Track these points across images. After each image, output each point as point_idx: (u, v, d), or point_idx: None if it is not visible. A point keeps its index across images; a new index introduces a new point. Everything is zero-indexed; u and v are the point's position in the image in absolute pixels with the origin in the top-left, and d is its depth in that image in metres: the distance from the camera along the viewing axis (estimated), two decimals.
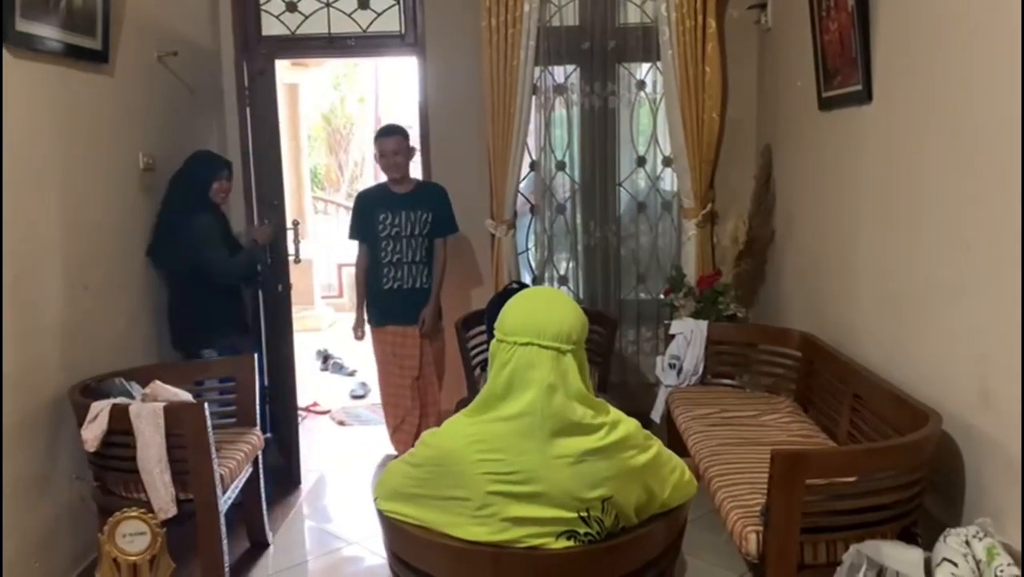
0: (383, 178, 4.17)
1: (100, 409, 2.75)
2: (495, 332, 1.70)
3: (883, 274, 2.89)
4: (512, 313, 1.69)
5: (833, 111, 3.31)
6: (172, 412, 2.75)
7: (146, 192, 3.61)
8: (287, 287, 4.16)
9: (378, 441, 4.50)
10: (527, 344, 1.62)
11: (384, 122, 4.14)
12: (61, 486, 2.93)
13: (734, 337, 3.86)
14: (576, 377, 1.65)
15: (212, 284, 3.68)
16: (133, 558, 2.33)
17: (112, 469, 2.85)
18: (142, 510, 2.57)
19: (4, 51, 2.63)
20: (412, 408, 4.15)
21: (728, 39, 4.38)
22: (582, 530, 1.62)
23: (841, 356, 3.13)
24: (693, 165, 4.34)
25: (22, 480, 2.74)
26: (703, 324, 3.81)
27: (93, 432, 2.74)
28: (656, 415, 3.79)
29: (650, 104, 4.54)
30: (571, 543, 1.61)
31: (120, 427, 2.74)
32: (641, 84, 4.54)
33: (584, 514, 1.60)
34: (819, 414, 3.25)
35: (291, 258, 4.16)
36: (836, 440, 2.99)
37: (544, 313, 1.66)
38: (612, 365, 4.22)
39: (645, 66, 4.53)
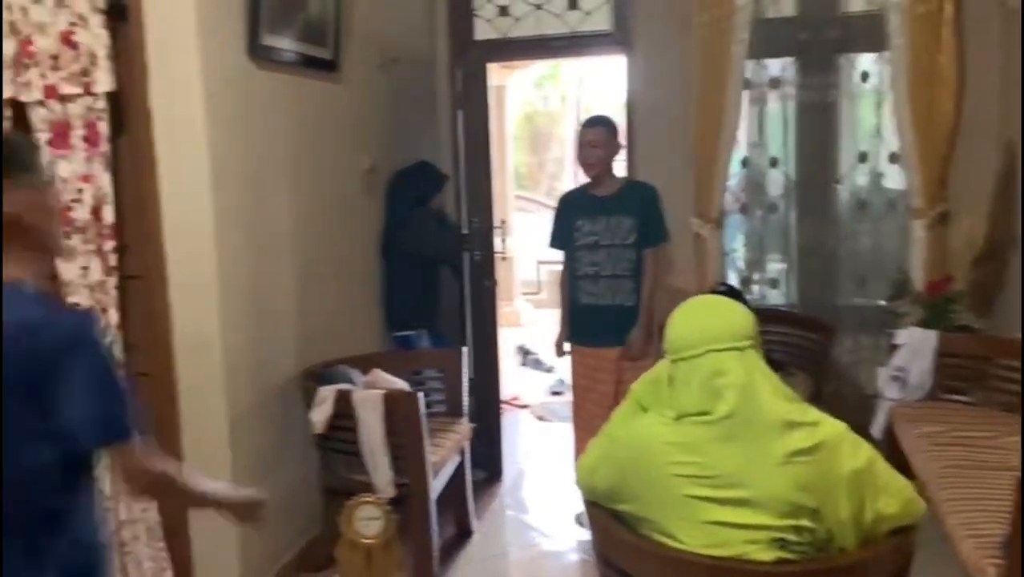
0: (585, 178, 3.78)
1: (327, 394, 2.96)
2: (666, 354, 1.67)
3: None
4: (676, 331, 1.66)
5: None
6: (391, 400, 2.91)
7: (368, 192, 3.84)
8: (493, 283, 4.28)
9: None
10: (704, 353, 1.60)
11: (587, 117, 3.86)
12: (290, 464, 3.18)
13: (968, 349, 3.52)
14: (768, 371, 1.61)
15: (423, 273, 3.91)
16: (369, 541, 2.47)
17: (336, 451, 3.05)
18: (377, 497, 2.73)
19: (251, 63, 2.89)
20: None
21: (967, 24, 4.01)
22: (793, 538, 1.54)
23: None
24: (923, 161, 4.01)
25: (258, 456, 2.99)
26: (932, 334, 3.52)
27: (320, 415, 2.95)
28: (876, 431, 3.54)
29: (874, 97, 4.25)
30: (783, 553, 1.54)
31: (344, 411, 2.93)
32: (865, 76, 4.26)
33: (794, 523, 1.53)
34: None
35: (498, 255, 4.28)
36: None
37: (708, 318, 1.65)
38: (827, 374, 3.99)
39: (869, 56, 4.24)
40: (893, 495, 1.63)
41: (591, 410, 3.50)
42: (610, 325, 3.49)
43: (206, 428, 2.83)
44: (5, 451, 1.38)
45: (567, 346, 3.73)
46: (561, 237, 3.66)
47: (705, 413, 1.59)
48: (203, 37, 2.65)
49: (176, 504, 2.04)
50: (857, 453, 1.61)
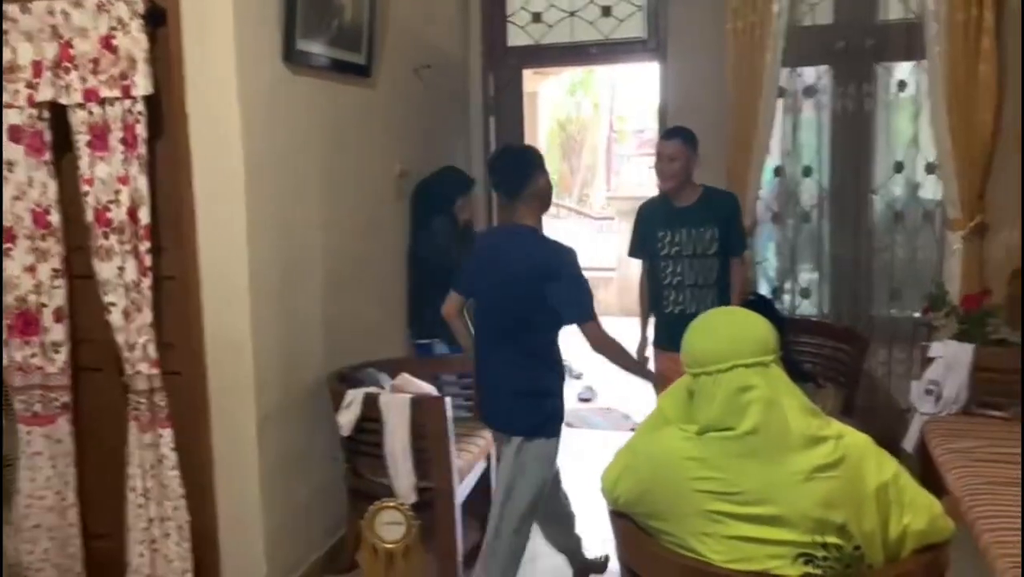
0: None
1: (354, 397, 2.97)
2: (686, 368, 1.65)
3: None
4: (699, 344, 1.64)
5: None
6: (418, 404, 2.92)
7: (399, 197, 3.86)
8: None
9: (605, 445, 4.49)
10: (730, 368, 1.57)
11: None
12: (318, 465, 3.20)
13: (1005, 364, 3.44)
14: (792, 386, 1.59)
15: (444, 282, 3.86)
16: (390, 546, 2.48)
17: (362, 453, 3.07)
18: (399, 501, 2.73)
19: (286, 68, 2.92)
20: None
21: (1007, 32, 3.94)
22: (820, 554, 1.52)
23: None
24: (960, 172, 3.94)
25: (286, 457, 3.02)
26: (968, 348, 3.45)
27: (348, 417, 2.96)
28: (909, 445, 3.48)
29: (912, 106, 4.19)
30: (809, 568, 1.52)
31: (371, 414, 2.94)
32: (902, 84, 4.20)
33: (820, 540, 1.51)
34: None
35: None
36: None
37: (732, 331, 1.62)
38: (859, 387, 3.93)
39: (907, 65, 4.18)
40: (920, 511, 1.59)
41: None
42: None
43: (235, 427, 2.86)
44: (526, 312, 2.70)
45: (649, 351, 3.70)
46: (641, 247, 3.65)
47: (728, 429, 1.57)
48: (239, 42, 2.69)
49: (623, 364, 2.92)
50: (882, 467, 1.58)
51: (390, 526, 2.45)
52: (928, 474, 3.25)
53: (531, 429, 2.77)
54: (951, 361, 3.43)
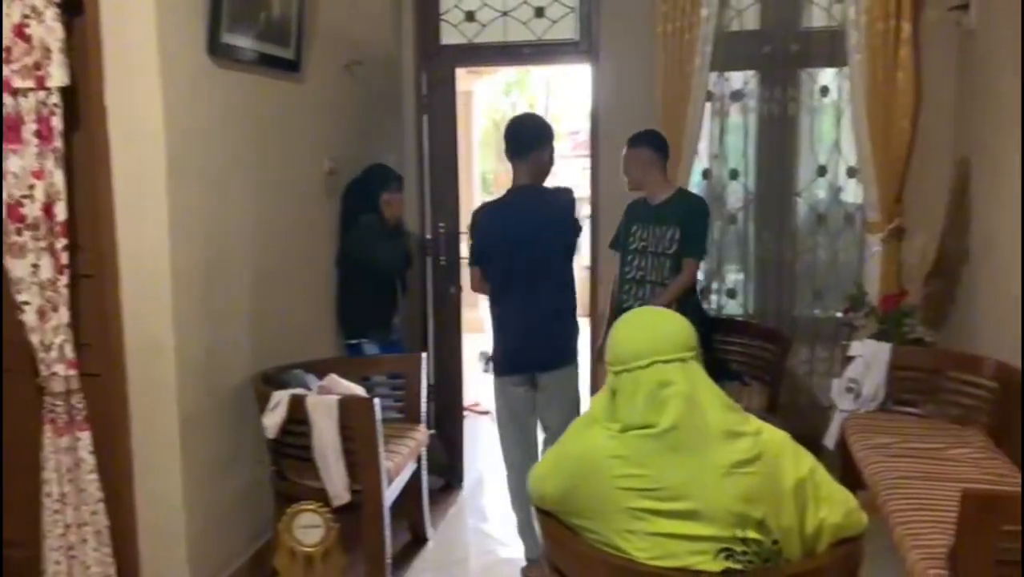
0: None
1: (280, 398, 2.92)
2: (608, 366, 1.68)
3: None
4: (621, 342, 1.68)
5: None
6: (345, 405, 2.88)
7: (329, 195, 3.80)
8: (459, 289, 4.26)
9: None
10: (649, 364, 1.62)
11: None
12: (243, 468, 3.13)
13: (920, 362, 3.58)
14: (710, 382, 1.63)
15: (373, 281, 3.82)
16: (308, 549, 2.44)
17: (289, 456, 3.02)
18: (319, 504, 2.70)
19: (211, 61, 2.85)
20: None
21: (924, 42, 4.09)
22: (739, 549, 1.55)
23: None
24: (879, 176, 4.08)
25: (210, 460, 2.95)
26: (886, 347, 3.57)
27: (273, 420, 2.91)
28: (830, 441, 3.58)
29: (834, 111, 4.32)
30: (730, 563, 1.55)
31: (298, 416, 2.89)
32: (824, 90, 4.33)
33: (741, 534, 1.54)
34: (1015, 451, 2.96)
35: (464, 261, 4.26)
36: None
37: (653, 329, 1.67)
38: (783, 385, 4.03)
39: (830, 72, 4.31)
40: (836, 505, 1.64)
41: None
42: None
43: (156, 430, 2.78)
44: (555, 251, 3.24)
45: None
46: (617, 240, 3.86)
47: (649, 426, 1.59)
48: (161, 33, 2.61)
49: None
50: (799, 462, 1.62)
51: (309, 529, 2.42)
52: (848, 469, 3.35)
53: (574, 354, 3.31)
54: (870, 360, 3.54)
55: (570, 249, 3.31)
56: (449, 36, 4.74)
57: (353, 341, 3.84)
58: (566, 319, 3.29)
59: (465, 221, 4.41)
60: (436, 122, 4.59)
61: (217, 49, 2.86)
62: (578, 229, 3.36)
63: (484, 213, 3.37)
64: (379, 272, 3.81)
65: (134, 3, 2.58)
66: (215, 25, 2.82)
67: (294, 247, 3.50)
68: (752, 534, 1.56)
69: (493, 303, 3.32)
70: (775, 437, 1.64)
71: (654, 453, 1.58)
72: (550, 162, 3.33)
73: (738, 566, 1.56)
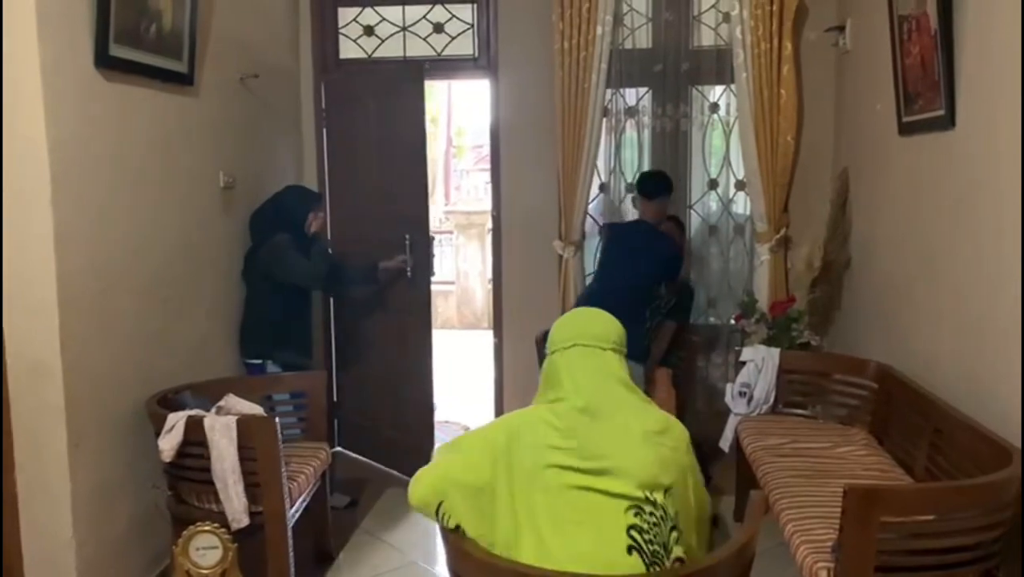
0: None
1: (176, 420, 2.83)
2: (546, 351, 1.93)
3: (967, 304, 2.79)
4: (557, 330, 1.95)
5: (914, 136, 3.23)
6: (244, 425, 2.82)
7: (225, 210, 3.72)
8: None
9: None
10: (572, 346, 1.87)
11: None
12: (138, 494, 3.02)
13: (807, 366, 3.76)
14: (624, 369, 1.89)
15: (281, 300, 3.74)
16: (205, 572, 2.38)
17: (186, 479, 2.93)
18: (215, 524, 2.63)
19: (96, 73, 2.76)
20: None
21: (804, 62, 4.31)
22: (648, 509, 1.69)
23: (920, 388, 3.02)
24: (767, 189, 4.27)
25: (104, 486, 2.83)
26: (775, 352, 3.73)
27: (169, 443, 2.82)
28: (725, 444, 3.71)
29: (723, 127, 4.50)
30: (637, 520, 1.66)
31: (195, 438, 2.81)
32: (714, 107, 4.50)
33: (650, 495, 1.70)
34: (895, 448, 3.14)
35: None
36: (913, 476, 2.89)
37: (583, 322, 1.95)
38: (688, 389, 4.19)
39: (719, 88, 4.49)
40: (704, 504, 1.92)
41: None
42: None
43: (43, 457, 2.66)
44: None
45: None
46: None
47: (571, 398, 1.80)
48: (44, 45, 2.52)
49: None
50: (689, 452, 1.86)
51: (206, 551, 2.36)
52: (742, 470, 3.48)
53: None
54: (760, 364, 3.70)
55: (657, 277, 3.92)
56: (347, 50, 4.72)
57: (254, 361, 3.74)
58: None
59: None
60: (336, 137, 4.55)
61: (105, 61, 2.77)
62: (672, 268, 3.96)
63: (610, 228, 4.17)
64: (296, 288, 3.74)
65: (14, 13, 2.48)
66: (102, 36, 2.73)
67: (190, 264, 3.41)
68: (659, 498, 1.70)
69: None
70: (676, 424, 1.88)
71: (577, 421, 1.76)
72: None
73: (644, 525, 1.67)
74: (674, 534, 1.71)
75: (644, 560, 1.65)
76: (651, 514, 1.68)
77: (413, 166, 4.19)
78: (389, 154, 4.26)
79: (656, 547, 1.67)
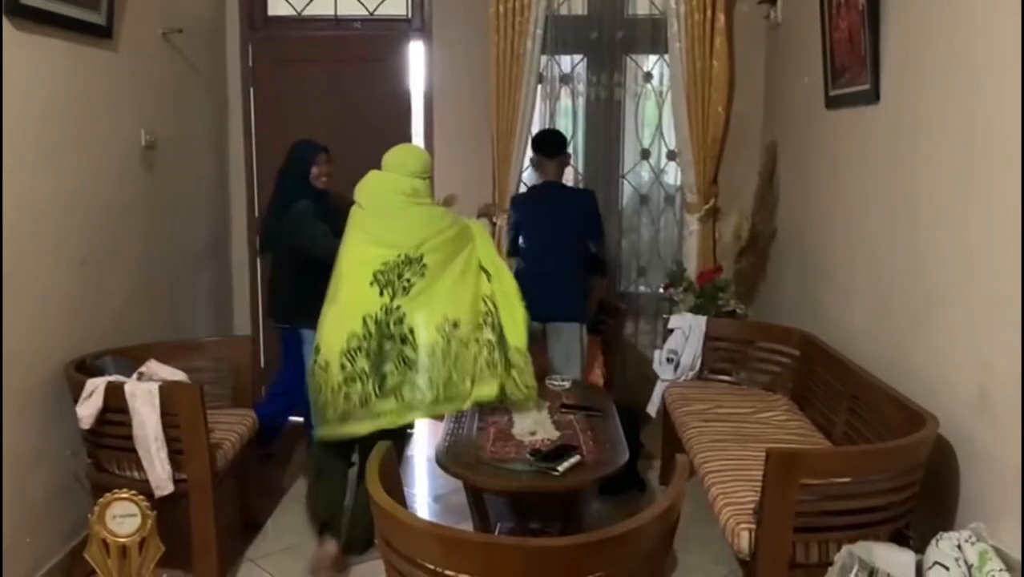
0: None
1: (95, 386, 2.75)
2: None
3: (884, 276, 2.88)
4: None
5: (840, 109, 3.30)
6: (167, 391, 2.75)
7: (148, 169, 3.59)
8: None
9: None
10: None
11: None
12: (55, 463, 2.93)
13: (733, 333, 3.85)
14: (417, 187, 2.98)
15: (309, 267, 3.63)
16: (123, 540, 2.32)
17: (106, 447, 2.85)
18: (133, 492, 2.56)
19: (6, 23, 2.62)
20: None
21: (737, 34, 4.36)
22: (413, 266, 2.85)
23: (840, 356, 3.12)
24: (697, 159, 4.32)
25: (17, 456, 2.73)
26: (702, 319, 3.81)
27: (88, 409, 2.73)
28: (652, 409, 3.78)
29: (656, 97, 4.53)
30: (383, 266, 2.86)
31: (115, 405, 2.73)
32: (648, 76, 4.52)
33: (413, 254, 2.85)
34: (816, 413, 3.25)
35: None
36: (832, 440, 2.99)
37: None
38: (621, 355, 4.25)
39: (652, 58, 4.51)
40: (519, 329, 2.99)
41: None
42: None
43: None
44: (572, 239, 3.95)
45: None
46: None
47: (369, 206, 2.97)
48: None
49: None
50: (473, 237, 3.08)
51: (123, 519, 2.30)
52: (668, 434, 3.55)
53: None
54: (688, 332, 3.77)
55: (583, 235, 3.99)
56: (276, 7, 4.58)
57: (286, 326, 3.76)
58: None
59: None
60: (263, 95, 4.43)
61: (16, 10, 2.62)
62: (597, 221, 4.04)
63: (527, 196, 4.20)
64: (314, 259, 3.62)
65: None
66: None
67: (110, 227, 3.28)
68: (415, 256, 2.85)
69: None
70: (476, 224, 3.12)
71: (369, 218, 2.96)
72: (568, 160, 4.14)
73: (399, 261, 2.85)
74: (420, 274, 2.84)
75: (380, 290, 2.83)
76: (408, 260, 2.85)
77: (349, 130, 4.09)
78: (324, 117, 4.14)
79: (393, 277, 2.82)
